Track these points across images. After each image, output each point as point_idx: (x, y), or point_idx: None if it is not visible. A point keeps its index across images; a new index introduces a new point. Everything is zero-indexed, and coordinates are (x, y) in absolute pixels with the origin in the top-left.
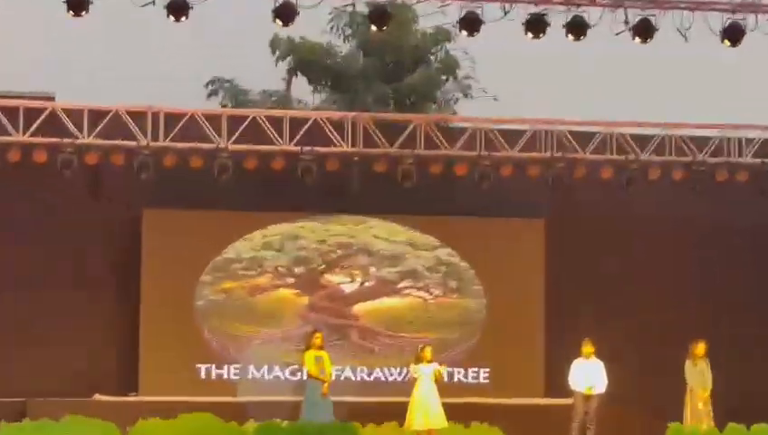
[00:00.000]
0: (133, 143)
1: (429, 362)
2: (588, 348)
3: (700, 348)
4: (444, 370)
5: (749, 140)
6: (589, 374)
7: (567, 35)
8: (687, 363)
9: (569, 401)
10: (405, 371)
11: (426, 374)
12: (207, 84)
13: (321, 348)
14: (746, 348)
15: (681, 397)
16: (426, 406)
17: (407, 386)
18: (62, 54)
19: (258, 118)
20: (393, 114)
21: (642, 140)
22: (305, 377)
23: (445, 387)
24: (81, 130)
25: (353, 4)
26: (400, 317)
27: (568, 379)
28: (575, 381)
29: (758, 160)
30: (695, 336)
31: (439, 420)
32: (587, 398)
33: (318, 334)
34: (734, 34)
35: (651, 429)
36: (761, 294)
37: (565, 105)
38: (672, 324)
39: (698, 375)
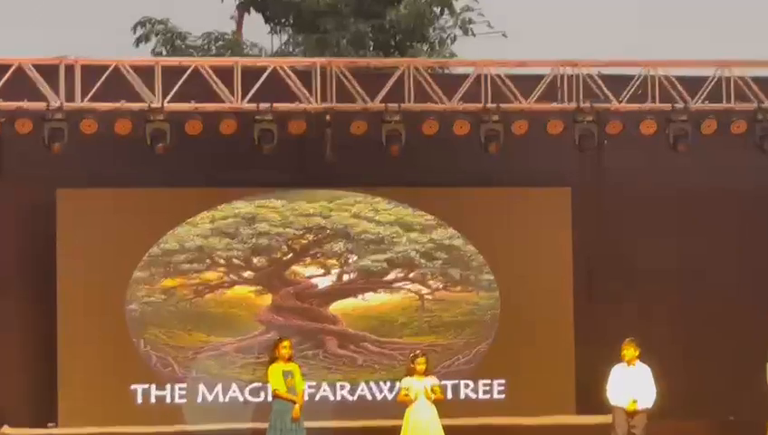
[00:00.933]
0: (42, 105)
1: (424, 375)
2: (630, 351)
3: None
4: (436, 388)
5: None
6: (632, 385)
7: None
8: None
9: (607, 418)
10: (398, 386)
11: (420, 392)
12: (135, 27)
13: (289, 360)
14: None
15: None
16: (422, 429)
17: (400, 406)
18: None
19: (201, 69)
20: (374, 59)
21: (692, 84)
22: (270, 397)
23: (449, 405)
24: None
25: None
26: (390, 319)
27: (606, 391)
28: (615, 393)
29: None
30: None
31: None
32: (631, 414)
33: (285, 343)
34: None
35: None
36: None
37: (593, 42)
38: (744, 317)
39: None
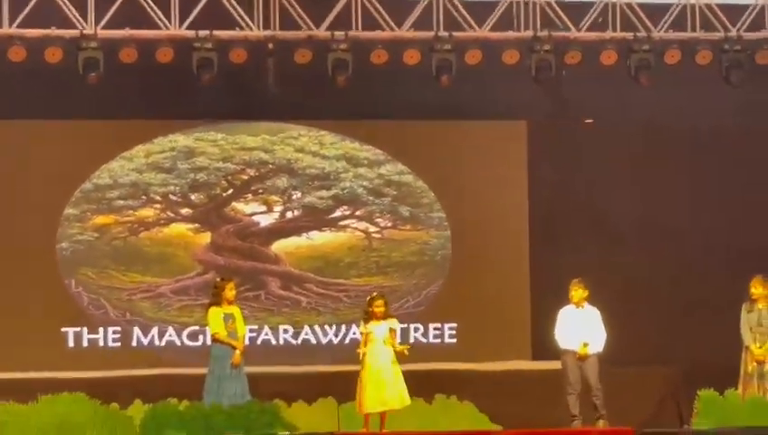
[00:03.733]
0: None
1: (383, 319)
2: (579, 292)
3: (755, 287)
4: (405, 348)
5: None
6: (582, 327)
7: None
8: (743, 309)
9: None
10: (344, 330)
11: (378, 337)
12: None
13: (231, 303)
14: None
15: (731, 352)
16: (379, 380)
17: (346, 351)
18: None
19: None
20: None
21: (655, 12)
22: (209, 342)
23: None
24: None
25: None
26: (336, 258)
27: (555, 335)
28: (564, 337)
29: None
30: (749, 271)
31: (397, 398)
32: (582, 358)
33: (228, 284)
34: None
35: (677, 396)
36: None
37: None
38: (705, 261)
39: (754, 325)
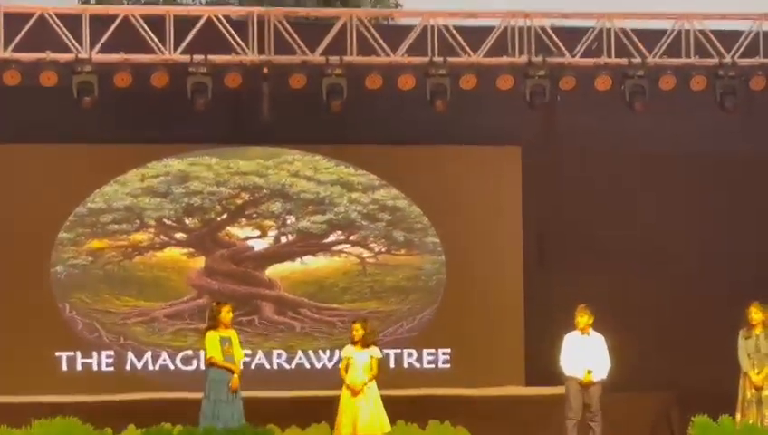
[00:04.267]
0: None
1: (363, 345)
2: (584, 318)
3: (753, 313)
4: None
5: None
6: (587, 354)
7: None
8: (740, 335)
9: (558, 390)
10: (337, 354)
11: (357, 364)
12: None
13: (228, 327)
14: None
15: (721, 378)
16: (354, 407)
17: (339, 377)
18: None
19: (131, 17)
20: (314, 9)
21: (650, 37)
22: (204, 366)
23: (392, 375)
24: None
25: None
26: (330, 283)
27: (559, 361)
28: (569, 364)
29: None
30: (744, 298)
31: (377, 425)
32: (585, 386)
33: (225, 308)
34: None
35: (671, 422)
36: None
37: None
38: (702, 285)
39: (752, 352)
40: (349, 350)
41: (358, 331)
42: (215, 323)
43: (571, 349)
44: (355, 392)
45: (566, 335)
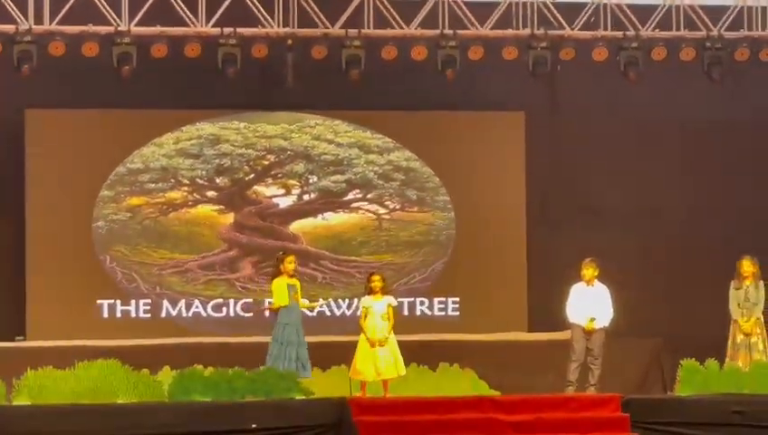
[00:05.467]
0: (11, 27)
1: (381, 294)
2: (590, 271)
3: (745, 266)
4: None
5: None
6: (591, 304)
7: None
8: (731, 286)
9: (559, 335)
10: (356, 303)
11: (376, 311)
12: None
13: (292, 275)
14: None
15: (712, 326)
16: (374, 353)
17: (358, 322)
18: None
19: None
20: None
21: (643, 12)
22: (268, 311)
23: (405, 321)
24: None
25: None
26: (349, 237)
27: (565, 309)
28: (574, 311)
29: None
30: (733, 252)
31: (392, 368)
32: (588, 333)
33: (288, 258)
34: None
35: (662, 366)
36: None
37: None
38: (694, 243)
39: (742, 301)
40: (367, 300)
41: (377, 282)
42: (279, 271)
43: (577, 298)
44: (373, 344)
45: (573, 286)
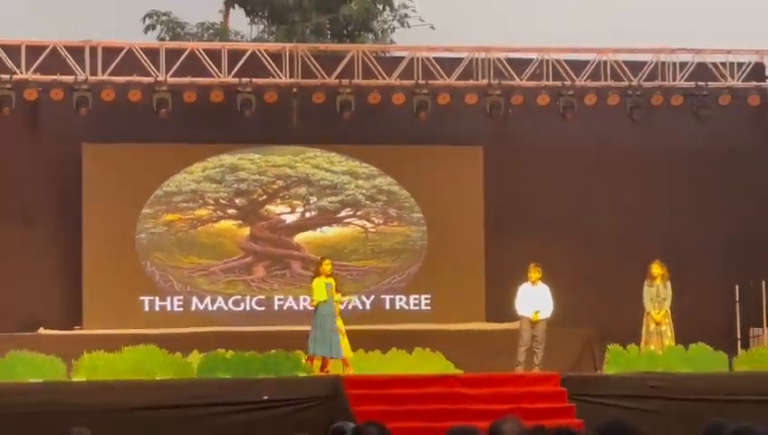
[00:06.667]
0: (71, 78)
1: (328, 277)
2: (535, 273)
3: (655, 268)
4: (346, 299)
5: (683, 64)
6: (535, 300)
7: None
8: (645, 284)
9: (510, 325)
10: (348, 300)
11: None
12: (144, 18)
13: (329, 276)
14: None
15: (632, 319)
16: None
17: (349, 314)
18: None
19: (196, 51)
20: (330, 45)
21: (577, 66)
22: (314, 305)
23: (387, 314)
24: (18, 65)
25: None
26: (342, 247)
27: (515, 304)
28: (522, 306)
29: (692, 84)
30: (648, 258)
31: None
32: (533, 323)
33: (325, 261)
34: None
35: (593, 350)
36: (698, 220)
37: (501, 33)
38: (620, 248)
39: (654, 296)
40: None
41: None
42: (318, 272)
43: (524, 295)
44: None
45: (521, 285)
